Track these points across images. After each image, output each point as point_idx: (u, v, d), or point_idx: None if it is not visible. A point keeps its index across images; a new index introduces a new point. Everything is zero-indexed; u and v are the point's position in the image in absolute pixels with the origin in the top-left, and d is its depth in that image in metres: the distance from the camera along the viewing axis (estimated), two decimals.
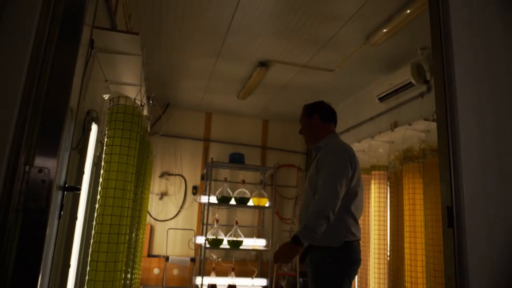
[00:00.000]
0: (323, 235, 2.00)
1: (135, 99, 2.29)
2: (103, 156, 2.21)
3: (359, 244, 2.20)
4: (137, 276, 3.91)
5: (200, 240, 5.77)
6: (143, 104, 2.34)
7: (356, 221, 2.21)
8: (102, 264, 2.06)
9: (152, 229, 6.12)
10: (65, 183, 1.62)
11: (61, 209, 1.59)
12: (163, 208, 6.25)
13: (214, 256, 5.92)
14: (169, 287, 5.68)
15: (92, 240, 2.10)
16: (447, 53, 1.22)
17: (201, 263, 5.65)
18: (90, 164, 2.45)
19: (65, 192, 1.62)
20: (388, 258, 3.89)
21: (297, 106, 6.23)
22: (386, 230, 3.97)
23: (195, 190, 6.39)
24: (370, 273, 4.10)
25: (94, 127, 2.47)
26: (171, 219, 6.22)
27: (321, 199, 2.05)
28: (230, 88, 5.56)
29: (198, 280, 5.61)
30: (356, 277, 4.42)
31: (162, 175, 6.33)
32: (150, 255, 6.00)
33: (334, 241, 2.10)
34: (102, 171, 2.19)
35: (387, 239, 3.96)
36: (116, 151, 2.19)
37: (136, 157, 2.29)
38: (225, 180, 5.78)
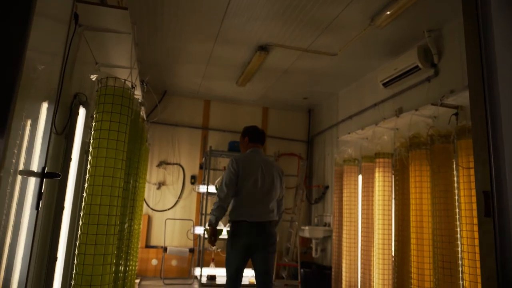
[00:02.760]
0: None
1: (125, 80, 2.12)
2: (91, 141, 2.05)
3: (247, 223, 2.95)
4: (133, 268, 3.78)
5: (199, 230, 5.65)
6: (134, 85, 2.18)
7: (248, 207, 2.99)
8: (90, 257, 1.91)
9: (149, 219, 5.99)
10: (43, 169, 1.47)
11: (39, 198, 1.45)
12: (161, 198, 6.11)
13: (214, 247, 5.80)
14: (168, 278, 5.57)
15: (79, 231, 1.96)
16: (483, 5, 1.03)
17: (200, 254, 5.54)
18: (78, 150, 2.29)
19: (44, 179, 1.47)
20: (393, 249, 3.75)
21: (298, 93, 6.10)
22: (391, 219, 3.83)
23: (194, 180, 6.25)
24: (374, 263, 3.97)
25: (82, 111, 2.30)
26: (169, 209, 6.09)
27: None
28: (229, 74, 5.38)
29: (197, 271, 5.50)
30: (359, 267, 4.31)
31: (159, 165, 6.18)
32: (148, 246, 5.88)
33: (230, 220, 3.07)
34: (89, 158, 2.03)
35: (391, 229, 3.82)
36: (104, 136, 2.03)
37: (127, 143, 2.13)
38: (224, 169, 5.62)
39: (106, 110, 2.06)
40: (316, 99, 6.37)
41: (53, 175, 1.42)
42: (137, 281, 5.24)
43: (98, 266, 1.92)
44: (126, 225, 2.58)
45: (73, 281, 1.91)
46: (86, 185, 2.00)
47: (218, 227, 3.07)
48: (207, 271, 5.48)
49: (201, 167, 6.27)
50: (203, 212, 5.52)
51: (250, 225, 2.93)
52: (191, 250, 5.68)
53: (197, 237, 5.87)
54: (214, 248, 3.24)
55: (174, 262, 5.82)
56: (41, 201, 1.41)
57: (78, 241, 1.95)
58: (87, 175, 2.01)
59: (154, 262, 5.78)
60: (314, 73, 5.22)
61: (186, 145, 6.37)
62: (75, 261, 1.93)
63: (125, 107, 2.10)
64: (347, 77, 5.29)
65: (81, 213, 1.98)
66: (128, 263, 2.89)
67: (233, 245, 2.97)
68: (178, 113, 6.39)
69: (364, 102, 5.13)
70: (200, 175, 6.25)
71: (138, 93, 3.57)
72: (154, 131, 6.15)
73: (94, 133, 2.05)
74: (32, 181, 1.87)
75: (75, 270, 1.92)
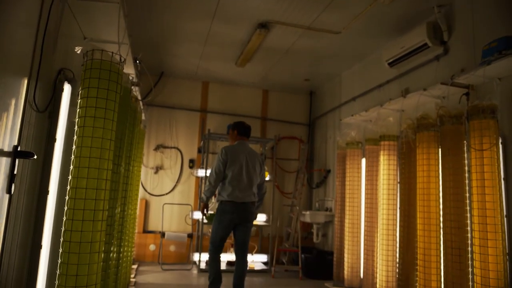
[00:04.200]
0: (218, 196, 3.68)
1: (112, 53, 1.94)
2: (76, 120, 1.88)
3: (233, 203, 3.54)
4: (129, 254, 3.66)
5: (198, 215, 5.53)
6: (122, 59, 1.99)
7: (234, 189, 3.55)
8: (76, 245, 1.77)
9: (147, 204, 5.86)
10: (15, 147, 1.31)
11: (11, 180, 1.29)
12: (158, 182, 5.97)
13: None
14: (166, 263, 5.47)
15: (64, 217, 1.80)
16: None
17: (198, 239, 5.42)
18: (64, 130, 2.12)
19: (16, 159, 1.31)
20: (398, 234, 3.62)
21: (299, 75, 5.91)
22: (396, 204, 3.69)
23: (192, 164, 6.11)
24: (378, 249, 3.85)
25: (67, 88, 2.13)
26: (167, 193, 5.96)
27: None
28: (228, 54, 5.17)
29: (196, 257, 5.40)
30: (362, 253, 4.18)
31: (157, 148, 6.02)
32: (145, 231, 5.77)
33: (219, 200, 3.66)
34: (75, 137, 1.86)
35: (396, 214, 3.69)
36: (90, 114, 1.86)
37: (116, 122, 1.96)
38: None
39: (92, 86, 1.88)
40: (318, 80, 6.17)
41: (26, 154, 1.26)
42: (135, 266, 5.14)
43: (84, 254, 1.77)
44: (117, 210, 2.43)
45: (58, 270, 1.77)
46: (71, 167, 1.84)
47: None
48: (206, 256, 5.36)
49: (199, 150, 6.11)
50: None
51: (236, 205, 3.54)
52: (190, 235, 5.56)
53: (195, 222, 5.75)
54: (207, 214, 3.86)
55: (172, 248, 5.72)
56: (13, 184, 1.24)
57: (63, 227, 1.80)
58: (72, 156, 1.85)
59: (152, 247, 5.68)
60: (317, 53, 5.01)
61: (184, 128, 6.20)
62: (60, 249, 1.78)
63: (113, 82, 1.92)
64: (351, 57, 5.09)
65: (66, 197, 1.82)
66: (121, 250, 2.76)
67: (221, 221, 3.57)
68: (175, 95, 6.20)
69: (368, 83, 4.94)
70: (199, 159, 6.10)
71: (131, 72, 3.40)
72: (151, 114, 5.98)
73: (79, 110, 1.88)
74: (20, 163, 1.70)
75: (60, 259, 1.77)
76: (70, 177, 1.83)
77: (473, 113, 2.72)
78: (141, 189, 5.78)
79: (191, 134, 6.21)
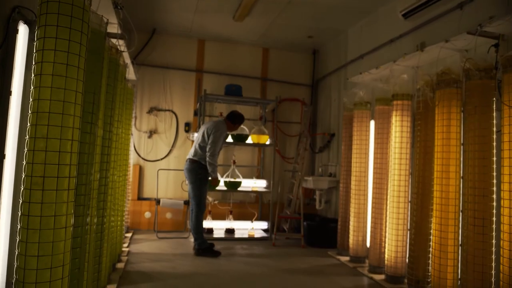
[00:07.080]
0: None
1: None
2: (33, 66, 1.52)
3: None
4: (118, 223, 3.38)
5: None
6: None
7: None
8: (36, 219, 1.45)
9: (141, 170, 5.57)
10: None
11: None
12: (152, 147, 5.65)
13: (210, 199, 5.44)
14: (162, 231, 5.24)
15: (22, 186, 1.48)
16: None
17: None
18: (21, 81, 1.76)
19: None
20: (410, 203, 3.34)
21: (302, 31, 5.44)
22: (409, 170, 3.38)
23: (188, 127, 5.76)
24: (387, 217, 3.57)
25: (24, 29, 1.74)
26: (162, 159, 5.66)
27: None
28: (224, 6, 4.70)
29: None
30: (369, 221, 3.92)
31: (150, 111, 5.66)
32: (140, 198, 5.51)
33: None
34: (31, 88, 1.51)
35: (408, 180, 3.38)
36: (49, 59, 1.49)
37: (83, 70, 1.60)
38: (221, 115, 5.11)
39: (49, 24, 1.50)
40: (322, 37, 5.71)
41: None
42: (129, 235, 4.91)
43: (47, 230, 1.46)
44: (96, 177, 2.11)
45: (16, 250, 1.46)
46: (28, 124, 1.50)
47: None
48: (204, 224, 5.12)
49: (195, 113, 5.75)
50: None
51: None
52: (186, 202, 5.30)
53: None
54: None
55: (168, 215, 5.48)
56: None
57: (20, 198, 1.47)
58: (29, 110, 1.50)
59: (147, 215, 5.44)
60: (321, 6, 4.54)
61: (179, 89, 5.81)
62: (18, 224, 1.47)
63: (76, 19, 1.54)
64: (359, 9, 4.62)
65: (24, 161, 1.49)
66: (105, 220, 2.46)
67: None
68: (169, 54, 5.77)
69: (378, 39, 4.50)
70: (195, 122, 5.74)
71: (113, 21, 2.98)
72: (143, 74, 5.57)
73: (35, 55, 1.51)
74: None
75: (19, 236, 1.46)
76: (27, 137, 1.49)
77: (508, 65, 2.35)
78: (134, 154, 5.48)
79: (186, 96, 5.82)
